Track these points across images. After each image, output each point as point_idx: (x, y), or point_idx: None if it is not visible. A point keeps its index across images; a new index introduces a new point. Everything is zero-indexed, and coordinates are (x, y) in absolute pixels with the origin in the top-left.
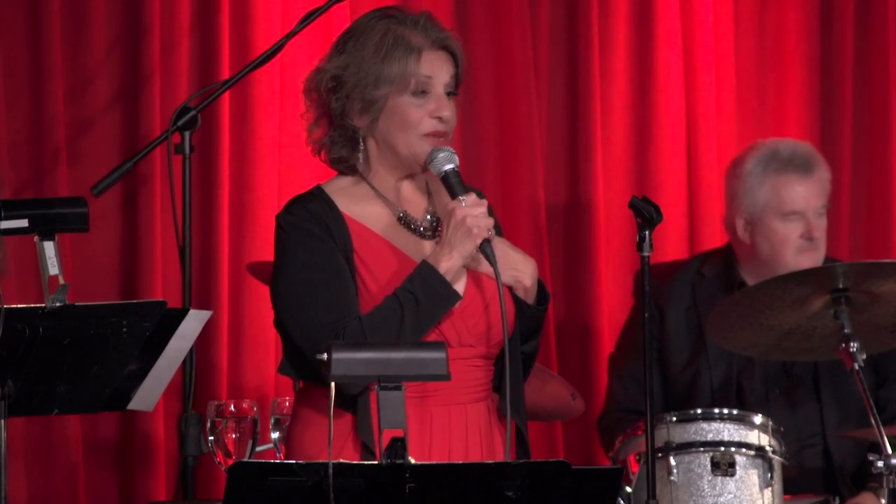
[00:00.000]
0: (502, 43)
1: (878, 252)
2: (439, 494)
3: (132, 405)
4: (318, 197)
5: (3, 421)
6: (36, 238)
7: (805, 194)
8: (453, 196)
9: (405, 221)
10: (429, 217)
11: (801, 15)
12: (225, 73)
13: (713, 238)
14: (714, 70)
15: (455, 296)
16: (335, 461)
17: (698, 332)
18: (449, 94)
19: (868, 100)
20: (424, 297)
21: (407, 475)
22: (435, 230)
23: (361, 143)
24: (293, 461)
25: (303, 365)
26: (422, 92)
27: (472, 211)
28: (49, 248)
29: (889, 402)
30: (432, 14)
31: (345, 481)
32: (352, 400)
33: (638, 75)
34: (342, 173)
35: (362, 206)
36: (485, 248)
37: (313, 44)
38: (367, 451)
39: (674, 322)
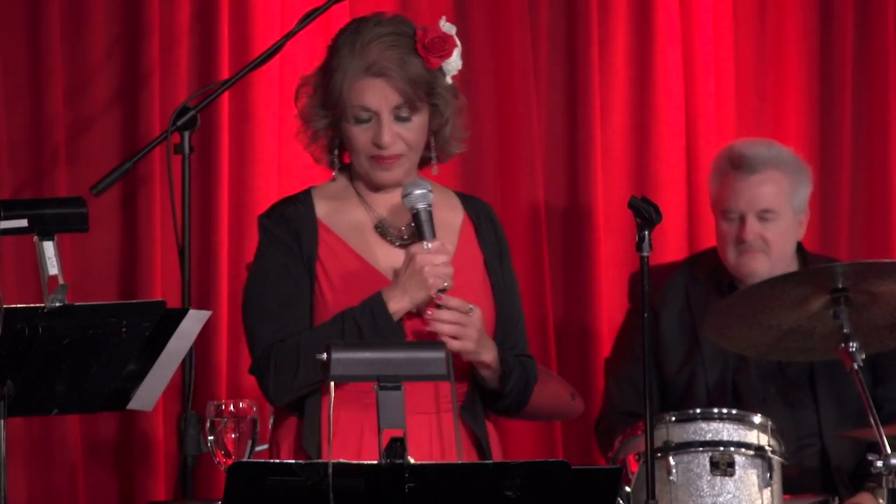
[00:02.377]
0: (501, 43)
1: (878, 252)
2: (439, 494)
3: (131, 405)
4: (300, 202)
5: (2, 421)
6: (35, 238)
7: (742, 193)
8: (420, 237)
9: (381, 229)
10: (412, 224)
11: (800, 16)
12: (224, 73)
13: (713, 238)
14: (713, 71)
15: (402, 336)
16: (335, 461)
17: (693, 333)
18: (400, 117)
19: (868, 101)
20: (368, 330)
21: (406, 475)
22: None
23: (337, 150)
24: (293, 461)
25: None
26: (363, 119)
27: (434, 259)
28: (48, 248)
29: (886, 401)
30: (387, 24)
31: (344, 481)
32: (299, 405)
33: (637, 76)
34: (339, 173)
35: (342, 213)
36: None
37: (313, 43)
38: None
39: (668, 324)
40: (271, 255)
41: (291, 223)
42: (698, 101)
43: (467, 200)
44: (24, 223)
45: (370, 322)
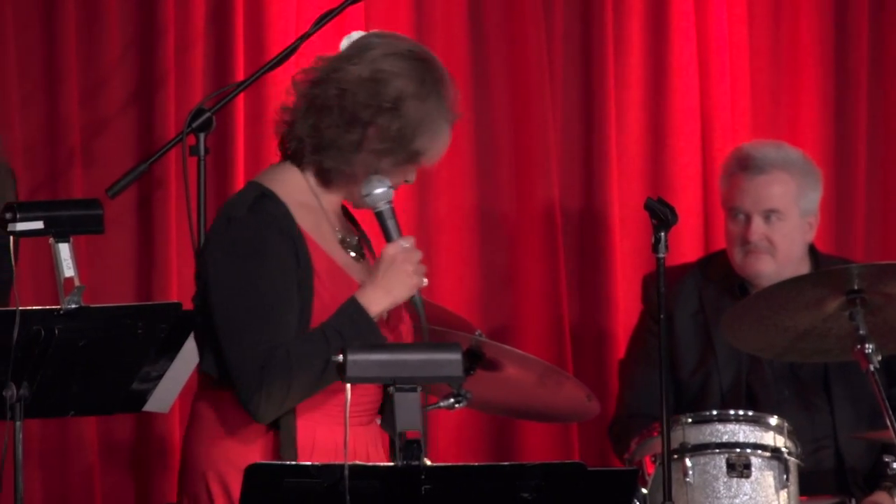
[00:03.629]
0: (516, 44)
1: (894, 253)
2: (455, 496)
3: (148, 407)
4: (273, 202)
5: (18, 423)
6: (51, 240)
7: (748, 192)
8: (387, 236)
9: (344, 243)
10: (357, 238)
11: (815, 17)
12: (240, 75)
13: None
14: (728, 71)
15: (383, 340)
16: (351, 463)
17: (706, 335)
18: None
19: (882, 101)
20: (352, 338)
21: (423, 477)
22: (361, 253)
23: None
24: (309, 463)
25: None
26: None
27: (413, 257)
28: (64, 249)
29: None
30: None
31: (361, 483)
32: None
33: (652, 76)
34: (277, 166)
35: (318, 224)
36: (415, 297)
37: (328, 45)
38: None
39: (682, 326)
40: (267, 259)
41: (279, 225)
42: (713, 103)
43: None
44: (39, 225)
45: (352, 330)
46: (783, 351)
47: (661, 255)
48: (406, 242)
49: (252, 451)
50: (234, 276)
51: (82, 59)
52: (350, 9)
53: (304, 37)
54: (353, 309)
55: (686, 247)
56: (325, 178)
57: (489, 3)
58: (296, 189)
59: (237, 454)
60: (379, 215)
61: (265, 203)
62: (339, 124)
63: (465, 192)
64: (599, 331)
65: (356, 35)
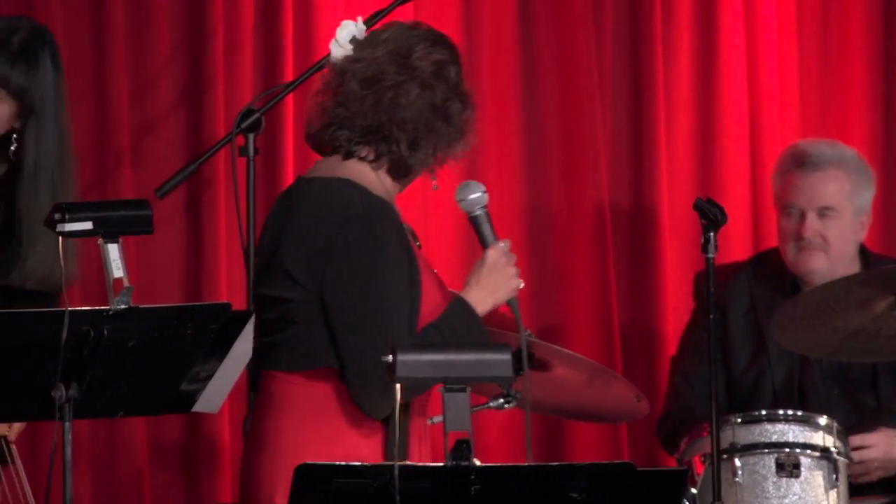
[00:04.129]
0: (566, 45)
1: None
2: (505, 496)
3: (197, 407)
4: (381, 200)
5: (68, 423)
6: (100, 241)
7: (803, 189)
8: (483, 240)
9: (412, 234)
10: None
11: (864, 16)
12: (289, 75)
13: (777, 239)
14: (777, 71)
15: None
16: (401, 463)
17: (759, 333)
18: None
19: None
20: (466, 337)
21: (472, 477)
22: (418, 243)
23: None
24: (359, 463)
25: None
26: None
27: (512, 260)
28: (113, 250)
29: None
30: None
31: (410, 483)
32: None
33: (702, 77)
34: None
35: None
36: (512, 298)
37: None
38: None
39: (735, 325)
40: (401, 255)
41: (393, 220)
42: (762, 102)
43: None
44: (89, 226)
45: (464, 328)
46: (832, 350)
47: (710, 256)
48: (505, 245)
49: (371, 444)
50: (363, 273)
51: (131, 59)
52: (399, 8)
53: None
54: (463, 308)
55: (735, 247)
56: (396, 172)
57: (538, 3)
58: (373, 184)
59: (354, 445)
60: (474, 219)
61: (374, 199)
62: (420, 117)
63: (515, 192)
64: (649, 331)
65: (350, 24)
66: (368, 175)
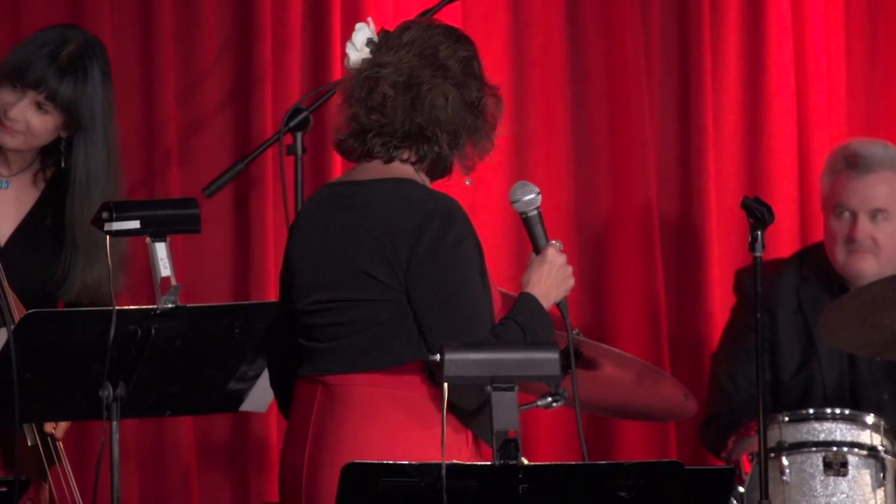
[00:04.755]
0: (614, 47)
1: None
2: (552, 495)
3: (245, 406)
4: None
5: (115, 422)
6: (148, 239)
7: (855, 191)
8: (536, 242)
9: None
10: None
11: None
12: (337, 74)
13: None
14: (825, 71)
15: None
16: (448, 462)
17: (807, 334)
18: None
19: None
20: (540, 331)
21: (520, 476)
22: None
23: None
24: (406, 462)
25: None
26: None
27: (566, 261)
28: (161, 249)
29: None
30: None
31: (458, 482)
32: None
33: (749, 77)
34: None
35: None
36: (562, 299)
37: None
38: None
39: (783, 326)
40: (476, 244)
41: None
42: (810, 101)
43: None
44: (136, 224)
45: (537, 323)
46: (879, 349)
47: (757, 254)
48: (559, 245)
49: (462, 439)
50: (448, 268)
51: (179, 58)
52: (447, 7)
53: None
54: (534, 303)
55: (782, 245)
56: (435, 171)
57: (586, 3)
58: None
59: (451, 440)
60: (527, 220)
61: (444, 196)
62: (457, 115)
63: (563, 193)
64: (696, 330)
65: (366, 28)
66: (414, 176)
